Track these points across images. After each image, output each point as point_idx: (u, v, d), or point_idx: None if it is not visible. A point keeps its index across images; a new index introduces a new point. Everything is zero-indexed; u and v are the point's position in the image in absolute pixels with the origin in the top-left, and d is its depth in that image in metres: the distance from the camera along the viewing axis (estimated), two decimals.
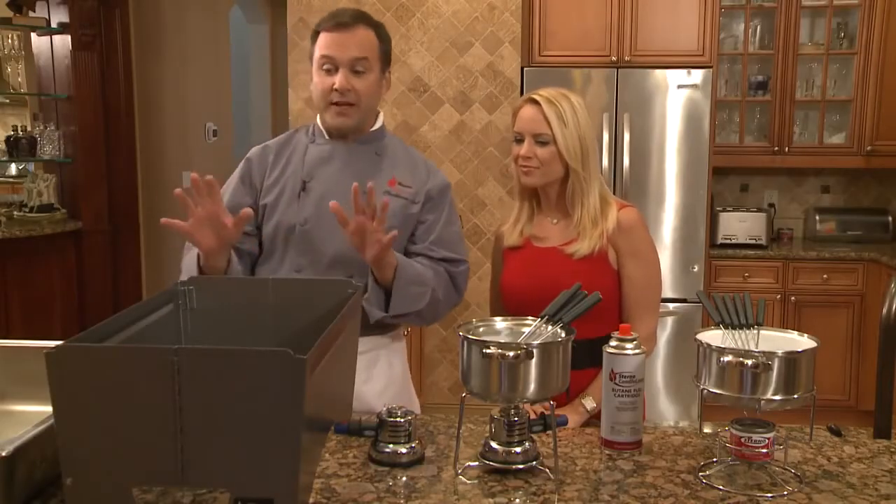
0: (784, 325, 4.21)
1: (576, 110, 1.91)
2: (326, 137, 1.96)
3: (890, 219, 4.71)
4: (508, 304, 1.99)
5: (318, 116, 1.99)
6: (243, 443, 1.09)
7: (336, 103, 1.88)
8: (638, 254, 1.93)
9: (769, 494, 1.28)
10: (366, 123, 1.97)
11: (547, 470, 1.35)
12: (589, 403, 1.82)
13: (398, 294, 1.82)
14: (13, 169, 6.57)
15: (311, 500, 1.24)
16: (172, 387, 1.07)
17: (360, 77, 1.89)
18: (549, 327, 1.39)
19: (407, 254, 1.98)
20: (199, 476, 1.10)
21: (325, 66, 1.88)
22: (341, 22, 1.88)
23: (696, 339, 1.39)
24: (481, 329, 1.44)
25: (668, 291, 4.17)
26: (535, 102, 1.91)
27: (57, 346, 1.08)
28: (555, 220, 1.99)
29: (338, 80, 1.86)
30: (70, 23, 5.09)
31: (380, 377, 1.94)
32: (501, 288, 2.04)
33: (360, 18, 1.92)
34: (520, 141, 1.94)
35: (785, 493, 1.28)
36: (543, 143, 1.90)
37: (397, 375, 2.00)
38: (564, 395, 1.83)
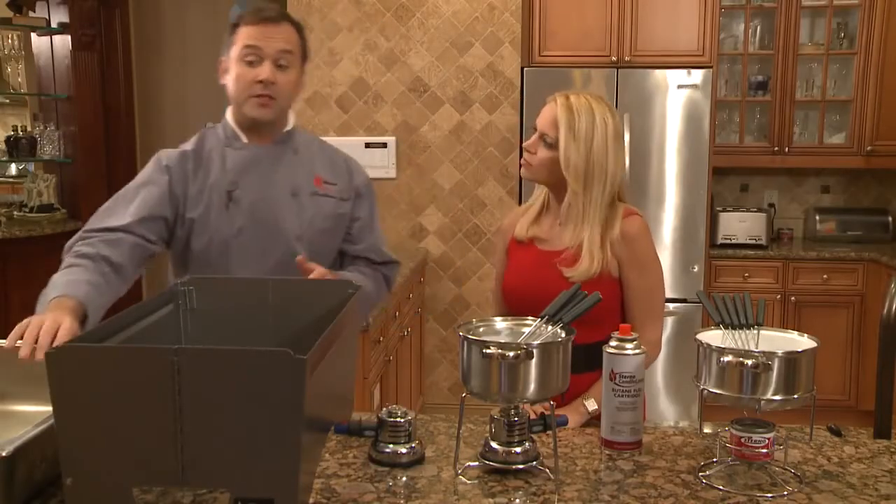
0: (784, 325, 4.20)
1: (595, 128, 1.82)
2: (244, 140, 1.90)
3: (890, 219, 4.71)
4: (509, 302, 1.98)
5: (229, 113, 1.93)
6: (243, 443, 1.09)
7: (258, 95, 1.83)
8: (641, 264, 1.90)
9: (769, 494, 1.28)
10: (280, 122, 1.93)
11: (547, 470, 1.35)
12: (591, 405, 1.81)
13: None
14: (13, 169, 6.57)
15: (311, 500, 1.24)
16: (172, 387, 1.07)
17: (284, 71, 1.85)
18: (549, 327, 1.39)
19: (343, 254, 1.99)
20: (200, 476, 1.10)
21: (248, 58, 1.82)
22: (267, 16, 1.84)
23: (696, 339, 1.39)
24: (481, 329, 1.44)
25: (668, 291, 4.15)
26: (557, 103, 1.87)
27: (57, 347, 1.08)
28: (559, 222, 1.95)
29: (263, 70, 1.81)
30: (70, 23, 5.10)
31: None
32: (503, 285, 2.02)
33: (285, 16, 1.89)
34: (536, 131, 1.91)
35: (785, 493, 1.28)
36: (549, 145, 1.86)
37: None
38: (560, 397, 1.83)
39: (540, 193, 2.00)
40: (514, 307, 1.90)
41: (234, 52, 1.85)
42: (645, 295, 1.91)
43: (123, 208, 1.82)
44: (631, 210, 1.93)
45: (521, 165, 1.94)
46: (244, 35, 1.84)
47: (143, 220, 1.80)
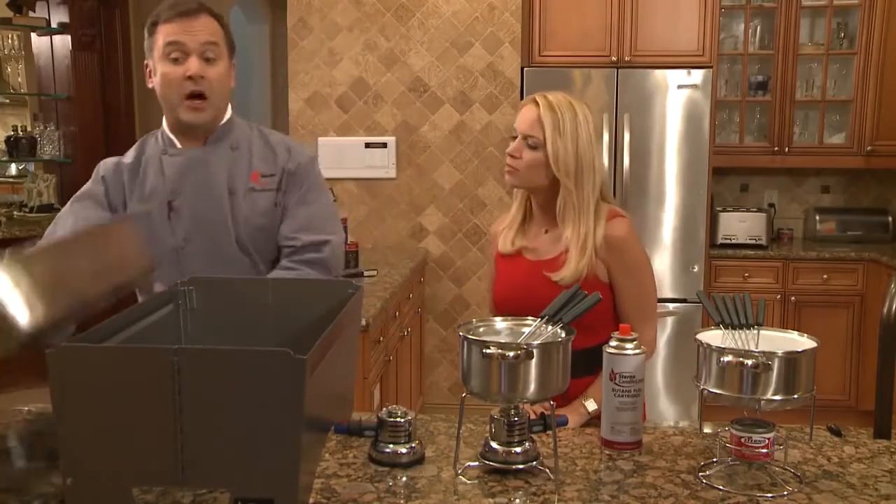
0: (784, 325, 4.20)
1: (578, 124, 1.83)
2: (178, 146, 1.87)
3: (890, 219, 4.71)
4: (500, 312, 1.96)
5: (164, 119, 1.89)
6: (243, 443, 1.09)
7: (189, 97, 1.78)
8: (629, 270, 1.89)
9: (769, 494, 1.28)
10: (218, 118, 1.88)
11: (547, 470, 1.35)
12: (590, 405, 1.81)
13: None
14: (13, 169, 6.58)
15: (311, 500, 1.24)
16: (172, 387, 1.07)
17: (212, 65, 1.79)
18: (549, 327, 1.39)
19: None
20: (200, 476, 1.10)
21: (172, 55, 1.77)
22: (184, 10, 1.79)
23: (696, 340, 1.39)
24: (481, 329, 1.44)
25: (668, 291, 4.17)
26: (537, 104, 1.86)
27: (57, 347, 1.08)
28: (544, 230, 1.95)
29: (191, 65, 1.76)
30: (70, 23, 5.10)
31: None
32: (493, 294, 2.02)
33: (203, 7, 1.83)
34: (514, 137, 1.90)
35: (785, 493, 1.28)
36: (532, 147, 1.84)
37: None
38: (560, 398, 1.82)
39: (519, 204, 1.98)
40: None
41: (157, 51, 1.80)
42: (637, 298, 1.90)
43: (63, 225, 1.80)
44: (615, 212, 1.91)
45: (506, 171, 1.90)
46: (164, 33, 1.78)
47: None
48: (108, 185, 1.87)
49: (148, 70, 1.86)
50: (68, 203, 1.89)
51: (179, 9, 1.79)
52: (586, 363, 1.70)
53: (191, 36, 1.77)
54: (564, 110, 1.83)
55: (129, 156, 1.92)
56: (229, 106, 1.91)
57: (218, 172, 1.86)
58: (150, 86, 1.87)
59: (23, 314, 1.11)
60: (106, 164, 1.91)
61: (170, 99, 1.81)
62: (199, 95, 1.79)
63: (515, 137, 1.90)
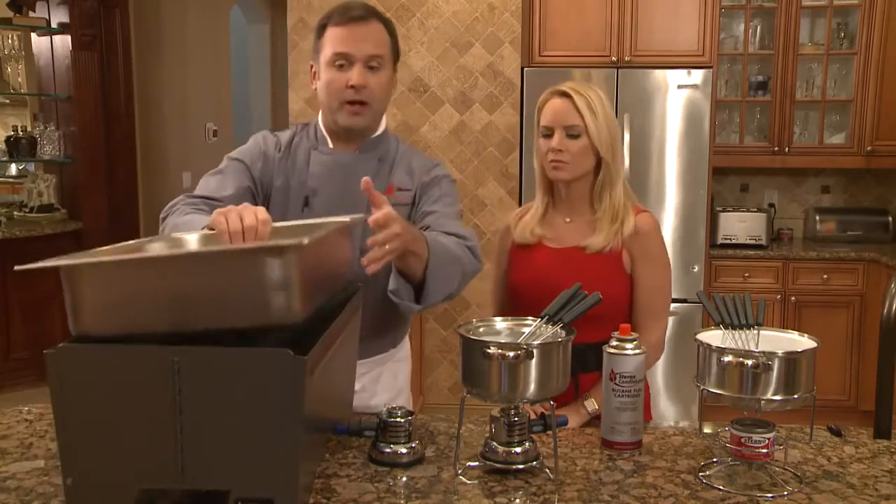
0: (784, 325, 4.20)
1: (602, 100, 1.90)
2: (330, 146, 1.87)
3: (890, 219, 4.71)
4: (519, 303, 1.95)
5: (321, 118, 1.89)
6: (243, 443, 1.09)
7: (350, 102, 1.79)
8: (652, 259, 1.91)
9: (769, 494, 1.28)
10: (371, 128, 1.88)
11: (547, 470, 1.35)
12: (590, 406, 1.81)
13: (432, 282, 1.61)
14: (13, 169, 6.58)
15: (311, 500, 1.24)
16: (172, 387, 1.07)
17: (375, 74, 1.79)
18: (549, 327, 1.39)
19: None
20: (199, 476, 1.10)
21: (338, 63, 1.78)
22: (354, 16, 1.78)
23: (696, 340, 1.39)
24: (481, 329, 1.44)
25: None
26: (565, 94, 1.88)
27: (57, 347, 1.08)
28: (568, 219, 1.96)
29: (355, 75, 1.76)
30: (70, 23, 5.10)
31: (384, 391, 1.92)
32: (511, 287, 2.00)
33: (373, 13, 1.83)
34: (547, 136, 1.89)
35: (785, 493, 1.28)
36: (575, 136, 1.87)
37: (401, 386, 1.99)
38: (573, 394, 1.83)
39: (543, 194, 1.99)
40: (526, 307, 1.85)
41: (324, 57, 1.80)
42: (651, 291, 1.91)
43: (224, 182, 1.80)
44: (641, 208, 1.96)
45: (553, 168, 1.90)
46: (333, 38, 1.79)
47: (240, 195, 1.76)
48: (266, 162, 1.86)
49: (313, 72, 1.86)
50: (226, 160, 1.87)
51: (350, 14, 1.78)
52: (600, 357, 1.69)
53: (358, 46, 1.77)
54: (588, 91, 1.89)
55: (285, 138, 1.91)
56: (384, 118, 1.91)
57: (358, 181, 1.84)
58: (313, 87, 1.87)
59: (303, 298, 1.15)
60: (266, 141, 1.90)
61: (330, 103, 1.82)
62: (360, 102, 1.79)
63: (545, 135, 1.90)
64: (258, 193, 1.85)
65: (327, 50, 1.80)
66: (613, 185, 1.92)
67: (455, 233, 1.76)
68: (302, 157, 1.88)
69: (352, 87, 1.77)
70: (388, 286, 1.60)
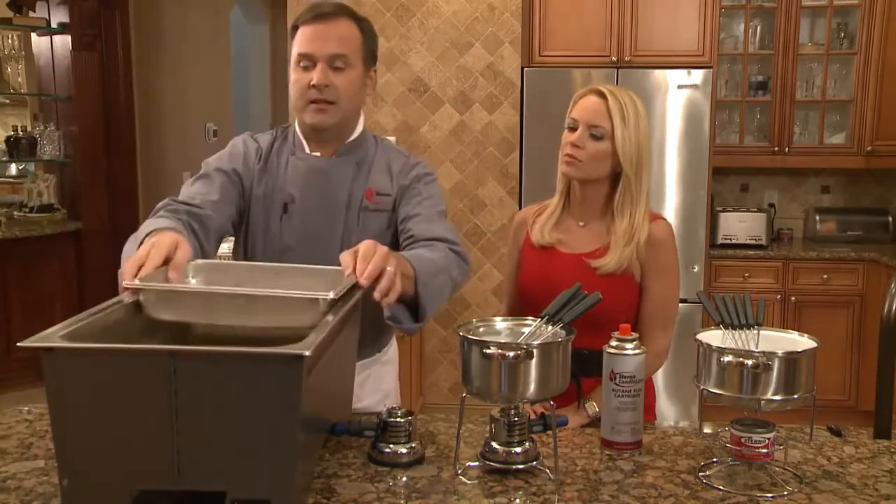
0: (784, 325, 4.20)
1: (639, 114, 1.85)
2: (307, 150, 1.85)
3: (890, 219, 4.71)
4: (524, 304, 1.94)
5: (297, 122, 1.87)
6: (240, 443, 1.08)
7: (314, 101, 1.77)
8: (665, 272, 1.89)
9: (769, 494, 1.27)
10: (347, 126, 1.85)
11: (547, 470, 1.35)
12: (591, 409, 1.81)
13: (426, 297, 1.59)
14: (13, 169, 6.58)
15: (310, 501, 1.23)
16: (169, 387, 1.07)
17: (340, 73, 1.77)
18: (549, 327, 1.39)
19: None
20: (196, 477, 1.10)
21: (302, 63, 1.77)
22: (321, 13, 1.77)
23: (696, 340, 1.39)
24: (481, 329, 1.44)
25: None
26: (602, 94, 1.84)
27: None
28: (581, 223, 1.93)
29: (315, 75, 1.74)
30: (70, 23, 5.10)
31: (371, 395, 1.93)
32: (518, 287, 1.99)
33: (344, 11, 1.80)
34: (572, 128, 1.86)
35: (785, 493, 1.28)
36: (598, 138, 1.83)
37: (388, 389, 1.99)
38: (575, 398, 1.82)
39: (560, 195, 1.96)
40: (530, 308, 1.80)
41: (292, 58, 1.80)
42: (659, 302, 1.89)
43: (208, 187, 1.79)
44: (657, 214, 1.94)
45: (565, 163, 1.87)
46: (300, 39, 1.78)
47: (224, 201, 1.76)
48: (247, 169, 1.85)
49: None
50: (214, 160, 1.86)
51: (317, 12, 1.77)
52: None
53: (320, 45, 1.75)
54: (627, 101, 1.84)
55: (265, 144, 1.89)
56: (361, 120, 1.89)
57: (339, 188, 1.82)
58: (290, 88, 1.86)
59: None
60: (247, 141, 1.88)
61: (297, 104, 1.82)
62: (324, 100, 1.77)
63: (570, 127, 1.86)
64: (241, 200, 1.84)
65: (294, 50, 1.79)
66: (636, 203, 1.87)
67: (440, 237, 1.75)
68: (280, 163, 1.86)
69: (313, 86, 1.76)
70: (384, 314, 1.60)
